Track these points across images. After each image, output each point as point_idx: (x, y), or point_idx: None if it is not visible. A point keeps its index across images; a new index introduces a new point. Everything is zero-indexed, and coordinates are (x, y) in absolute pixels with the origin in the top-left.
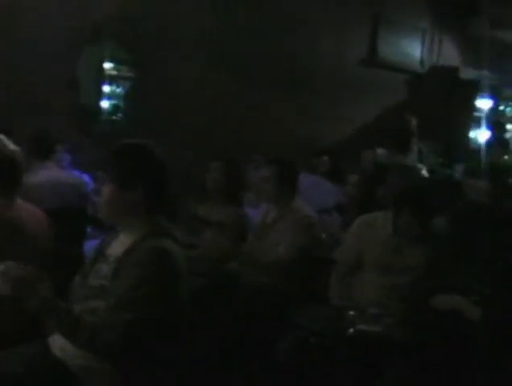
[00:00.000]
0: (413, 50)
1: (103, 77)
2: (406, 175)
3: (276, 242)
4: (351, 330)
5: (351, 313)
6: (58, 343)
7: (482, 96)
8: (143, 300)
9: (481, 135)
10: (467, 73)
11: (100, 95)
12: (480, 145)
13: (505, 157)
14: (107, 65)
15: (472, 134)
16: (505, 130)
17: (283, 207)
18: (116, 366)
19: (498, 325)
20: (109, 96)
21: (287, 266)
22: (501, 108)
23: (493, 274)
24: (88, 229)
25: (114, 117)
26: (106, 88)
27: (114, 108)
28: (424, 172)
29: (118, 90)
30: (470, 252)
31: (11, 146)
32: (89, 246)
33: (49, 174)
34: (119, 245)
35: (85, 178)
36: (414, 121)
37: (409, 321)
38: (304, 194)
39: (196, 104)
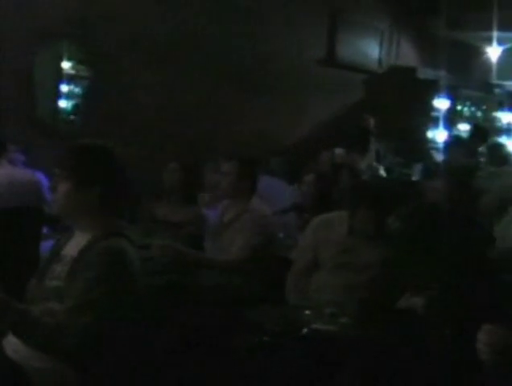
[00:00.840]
0: (371, 50)
1: (61, 77)
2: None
3: (233, 242)
4: (305, 330)
5: (307, 312)
6: (12, 345)
7: (440, 96)
8: (100, 301)
9: (438, 135)
10: (425, 73)
11: (58, 94)
12: (438, 144)
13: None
14: (65, 64)
15: (429, 134)
16: (486, 139)
17: (241, 206)
18: (73, 367)
19: (448, 322)
20: (68, 96)
21: (242, 265)
22: (459, 108)
23: (446, 273)
24: (45, 230)
25: (73, 117)
26: (64, 88)
27: (73, 108)
28: (382, 172)
29: (77, 90)
30: (427, 250)
31: None
32: (46, 247)
33: (4, 172)
34: (74, 245)
35: (39, 175)
36: (372, 121)
37: (365, 320)
38: (261, 195)
39: (155, 104)
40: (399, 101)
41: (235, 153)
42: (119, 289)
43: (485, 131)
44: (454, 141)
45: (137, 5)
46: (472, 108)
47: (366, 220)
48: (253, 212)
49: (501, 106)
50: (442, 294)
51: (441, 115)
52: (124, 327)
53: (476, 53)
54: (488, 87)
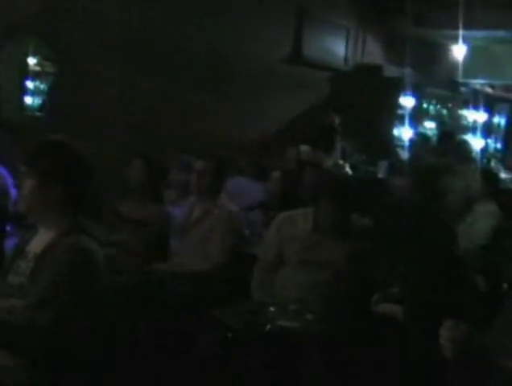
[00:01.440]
0: (337, 48)
1: (27, 73)
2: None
3: (203, 239)
4: (268, 326)
5: (271, 309)
6: None
7: (405, 94)
8: (63, 298)
9: (404, 133)
10: (390, 71)
11: (23, 91)
12: (403, 142)
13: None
14: (31, 61)
15: (395, 132)
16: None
17: (209, 204)
18: (35, 365)
19: (417, 319)
20: (33, 92)
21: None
22: (424, 106)
23: (413, 269)
24: (8, 228)
25: (38, 113)
26: (30, 84)
27: (39, 105)
28: (347, 169)
29: (42, 86)
30: (393, 246)
31: None
32: (9, 244)
33: None
34: (38, 242)
35: (4, 172)
36: (337, 119)
37: (329, 317)
38: (229, 194)
39: (120, 102)
40: (365, 99)
41: (206, 152)
42: (83, 286)
43: (452, 135)
44: (419, 139)
45: (101, 1)
46: (438, 107)
47: (329, 214)
48: (222, 209)
49: (466, 104)
50: (407, 292)
51: (407, 113)
52: (88, 324)
53: (442, 51)
54: (453, 85)
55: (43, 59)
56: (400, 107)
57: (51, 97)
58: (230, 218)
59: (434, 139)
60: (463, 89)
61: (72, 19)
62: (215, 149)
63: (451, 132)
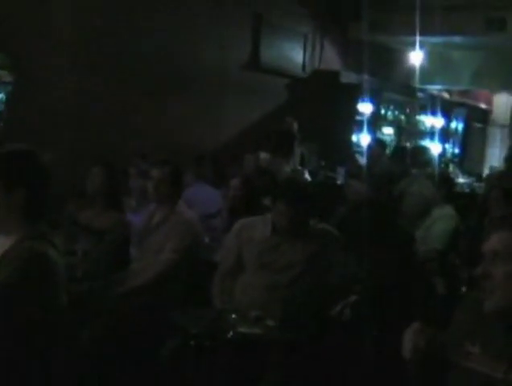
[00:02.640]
0: (295, 54)
1: None
2: None
3: (160, 245)
4: (230, 333)
5: (232, 316)
6: None
7: (363, 100)
8: (20, 304)
9: (362, 138)
10: (348, 77)
11: None
12: (362, 148)
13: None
14: None
15: (354, 137)
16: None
17: (167, 210)
18: None
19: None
20: None
21: (172, 269)
22: (382, 111)
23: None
24: None
25: None
26: None
27: None
28: (307, 175)
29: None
30: (353, 248)
31: None
32: None
33: None
34: None
35: None
36: (295, 125)
37: (288, 321)
38: (188, 201)
39: (77, 109)
40: (323, 105)
41: (164, 159)
42: (40, 292)
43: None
44: (376, 145)
45: (55, 4)
46: (396, 112)
47: (285, 217)
48: (179, 216)
49: (423, 110)
50: (366, 295)
51: (365, 118)
52: (44, 331)
53: (399, 57)
54: (411, 90)
55: None
56: (358, 113)
57: (8, 106)
58: (184, 223)
59: (392, 144)
60: (420, 95)
61: (27, 27)
62: (173, 155)
63: (404, 146)
